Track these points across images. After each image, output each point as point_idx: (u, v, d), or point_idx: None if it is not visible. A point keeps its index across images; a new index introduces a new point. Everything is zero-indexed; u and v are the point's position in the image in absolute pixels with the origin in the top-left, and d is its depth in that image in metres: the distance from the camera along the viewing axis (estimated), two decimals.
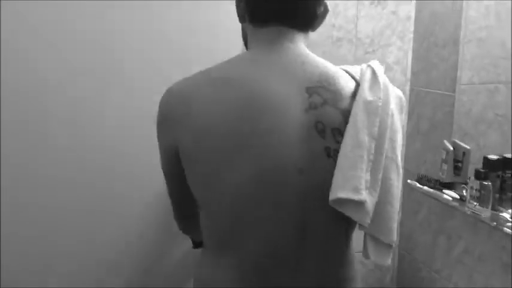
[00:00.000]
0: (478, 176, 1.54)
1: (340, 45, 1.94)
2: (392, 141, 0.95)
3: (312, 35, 1.88)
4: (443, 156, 1.75)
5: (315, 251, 0.95)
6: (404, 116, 1.02)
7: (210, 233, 0.98)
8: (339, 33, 1.94)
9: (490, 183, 1.52)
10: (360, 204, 0.89)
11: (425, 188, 1.84)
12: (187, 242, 1.30)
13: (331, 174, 0.89)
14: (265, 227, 0.92)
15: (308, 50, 0.99)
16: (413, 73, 2.05)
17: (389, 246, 0.97)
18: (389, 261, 0.99)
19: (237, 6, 1.00)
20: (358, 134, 0.89)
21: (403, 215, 2.15)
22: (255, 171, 0.88)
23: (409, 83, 2.07)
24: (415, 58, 2.04)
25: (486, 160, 1.57)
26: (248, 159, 0.88)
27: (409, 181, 1.93)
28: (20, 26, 1.41)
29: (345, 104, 0.92)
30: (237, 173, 0.88)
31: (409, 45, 2.04)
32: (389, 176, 0.95)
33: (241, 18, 1.01)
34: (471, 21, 1.75)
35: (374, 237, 0.97)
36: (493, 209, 1.53)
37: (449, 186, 1.76)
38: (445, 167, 1.74)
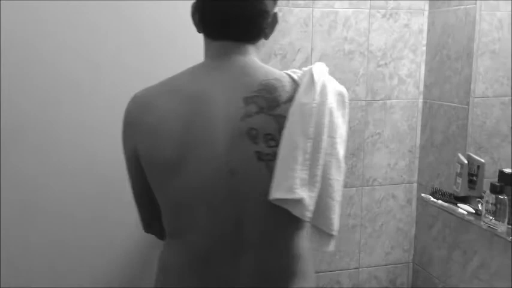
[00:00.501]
0: (494, 189, 1.53)
1: (352, 58, 1.93)
2: (332, 137, 1.00)
3: (324, 47, 1.88)
4: (458, 170, 1.74)
5: (253, 244, 1.03)
6: (347, 110, 1.08)
7: (165, 224, 1.10)
8: (351, 46, 1.93)
9: (506, 197, 1.50)
10: (297, 201, 0.96)
11: (440, 201, 1.82)
12: None
13: (264, 176, 0.97)
14: (205, 223, 1.02)
15: (256, 59, 1.05)
16: (426, 86, 2.04)
17: (331, 235, 1.03)
18: (331, 248, 1.04)
19: (193, 17, 1.06)
20: (292, 136, 0.96)
21: (417, 229, 2.13)
22: (195, 176, 0.99)
23: (422, 96, 2.06)
24: (427, 71, 2.03)
25: (502, 173, 1.56)
26: (191, 165, 0.98)
27: (423, 195, 1.91)
28: (18, 27, 1.43)
29: (280, 110, 0.99)
30: (183, 176, 0.99)
31: (421, 58, 2.03)
32: (330, 171, 1.00)
33: (198, 29, 1.07)
34: (484, 34, 1.74)
35: (316, 227, 1.03)
36: (509, 223, 1.51)
37: (464, 200, 1.74)
38: (459, 180, 1.73)
